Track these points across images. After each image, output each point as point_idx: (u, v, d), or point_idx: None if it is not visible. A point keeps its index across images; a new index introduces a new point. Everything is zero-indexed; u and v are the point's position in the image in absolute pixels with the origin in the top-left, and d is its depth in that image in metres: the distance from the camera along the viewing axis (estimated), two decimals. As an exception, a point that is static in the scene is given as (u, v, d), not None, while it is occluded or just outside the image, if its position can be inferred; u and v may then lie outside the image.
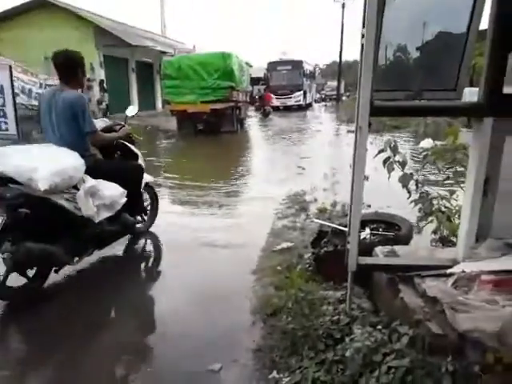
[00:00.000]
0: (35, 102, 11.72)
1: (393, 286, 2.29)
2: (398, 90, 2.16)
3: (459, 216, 2.83)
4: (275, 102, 25.60)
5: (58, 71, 3.35)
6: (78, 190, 3.00)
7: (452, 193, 3.48)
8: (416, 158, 6.66)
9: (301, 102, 27.24)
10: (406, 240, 3.07)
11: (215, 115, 13.51)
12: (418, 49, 2.17)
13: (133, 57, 19.77)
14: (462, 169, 3.20)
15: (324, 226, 3.52)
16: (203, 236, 4.32)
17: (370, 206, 4.86)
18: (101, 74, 17.16)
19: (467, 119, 3.88)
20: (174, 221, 4.87)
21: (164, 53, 18.76)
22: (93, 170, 3.18)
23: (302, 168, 8.19)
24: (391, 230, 3.29)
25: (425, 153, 4.10)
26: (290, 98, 26.71)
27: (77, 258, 3.22)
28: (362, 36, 1.76)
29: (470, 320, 1.81)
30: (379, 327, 2.14)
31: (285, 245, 3.88)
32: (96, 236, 3.29)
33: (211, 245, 4.14)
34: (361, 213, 2.24)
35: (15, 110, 9.78)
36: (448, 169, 3.83)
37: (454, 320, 1.85)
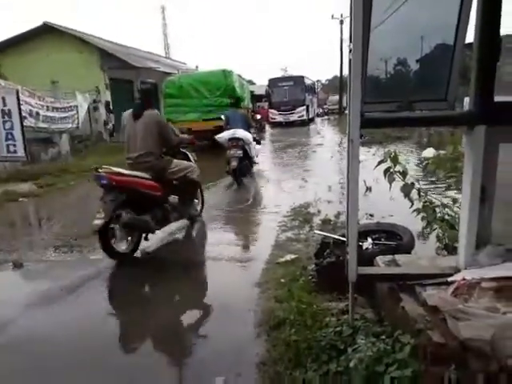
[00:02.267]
0: (43, 125, 11.99)
1: (394, 296, 2.30)
2: (389, 101, 2.20)
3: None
4: (278, 118, 25.99)
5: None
6: None
7: (454, 201, 3.49)
8: (418, 168, 6.67)
9: (304, 117, 27.24)
10: (407, 249, 3.07)
11: (219, 132, 13.59)
12: (406, 62, 2.22)
13: (137, 78, 20.13)
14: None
15: (327, 237, 3.54)
16: (209, 251, 4.36)
17: (372, 215, 4.87)
18: (106, 95, 17.47)
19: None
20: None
21: (168, 73, 19.05)
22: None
23: (305, 180, 8.23)
24: (393, 239, 3.29)
25: (426, 162, 4.14)
26: (293, 113, 26.76)
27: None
28: (350, 50, 1.81)
29: (470, 328, 1.81)
30: (382, 337, 2.14)
31: (288, 257, 3.89)
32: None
33: (215, 258, 4.18)
34: (358, 223, 2.26)
35: (23, 133, 9.98)
36: (449, 177, 3.86)
37: (455, 328, 1.85)
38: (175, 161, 4.69)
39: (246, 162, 7.67)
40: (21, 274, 4.31)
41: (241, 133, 7.50)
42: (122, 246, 4.17)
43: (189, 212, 4.96)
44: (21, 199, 7.60)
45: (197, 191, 5.26)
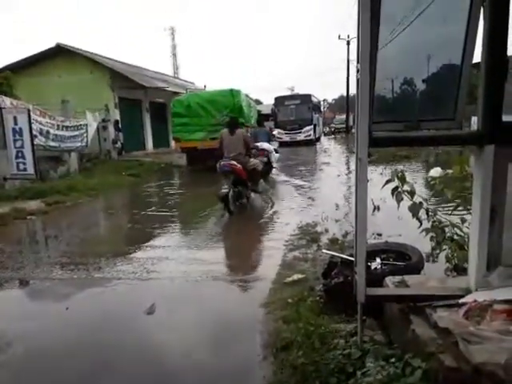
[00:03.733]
0: (53, 143, 12.17)
1: (404, 317, 2.25)
2: (397, 120, 2.20)
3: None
4: (284, 138, 24.96)
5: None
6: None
7: (463, 220, 3.45)
8: (426, 187, 6.63)
9: (311, 137, 26.39)
10: (416, 269, 3.03)
11: None
12: (414, 81, 2.23)
13: (146, 97, 20.46)
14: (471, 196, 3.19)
15: (334, 256, 3.50)
16: (214, 269, 4.33)
17: (380, 234, 4.82)
18: (116, 114, 17.74)
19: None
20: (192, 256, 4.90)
21: (176, 93, 19.36)
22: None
23: (313, 199, 8.21)
24: (402, 259, 3.25)
25: (433, 182, 4.10)
26: (300, 132, 25.99)
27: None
28: (358, 71, 1.83)
29: (483, 352, 1.76)
30: (392, 360, 2.10)
31: (296, 277, 3.85)
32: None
33: (222, 278, 4.15)
34: (366, 243, 2.24)
35: (33, 151, 10.13)
36: (458, 197, 3.81)
37: (467, 352, 1.81)
38: (250, 159, 7.60)
39: (269, 166, 10.36)
40: (26, 291, 4.31)
41: (265, 145, 10.35)
42: (231, 206, 6.87)
43: (255, 188, 8.08)
44: (29, 217, 7.64)
45: (259, 177, 8.47)
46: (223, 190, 6.76)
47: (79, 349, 2.94)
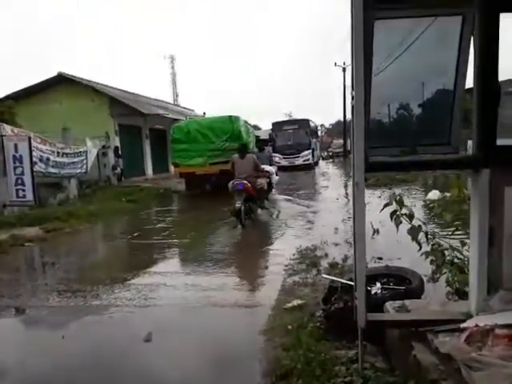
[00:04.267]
0: (52, 170, 12.24)
1: (405, 343, 2.22)
2: (393, 146, 2.24)
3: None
4: (282, 162, 24.62)
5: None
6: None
7: (463, 243, 3.44)
8: (424, 210, 6.65)
9: (310, 161, 26.35)
10: (417, 294, 3.00)
11: (224, 175, 13.70)
12: (409, 106, 2.28)
13: (146, 124, 20.71)
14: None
15: (334, 281, 3.47)
16: (212, 296, 4.29)
17: (381, 258, 4.80)
18: (116, 141, 17.92)
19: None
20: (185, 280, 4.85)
21: (176, 120, 19.61)
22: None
23: (312, 222, 8.21)
24: (402, 283, 3.22)
25: (432, 205, 4.13)
26: (298, 157, 25.89)
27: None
28: (353, 98, 1.87)
29: (486, 378, 1.73)
30: (394, 388, 2.05)
31: (295, 302, 3.80)
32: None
33: (220, 304, 4.09)
34: (366, 267, 2.23)
35: (33, 178, 10.17)
36: (456, 220, 3.82)
37: (469, 379, 1.77)
38: (258, 179, 8.88)
39: (270, 186, 11.20)
40: (22, 320, 4.24)
41: (268, 167, 11.08)
42: (244, 222, 7.85)
43: (262, 205, 9.41)
44: (27, 244, 7.59)
45: (266, 195, 10.00)
46: (237, 205, 7.81)
47: (75, 376, 2.88)
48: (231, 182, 8.17)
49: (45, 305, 4.45)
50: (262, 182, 9.11)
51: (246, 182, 8.05)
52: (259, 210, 9.27)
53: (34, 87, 17.96)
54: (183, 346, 3.35)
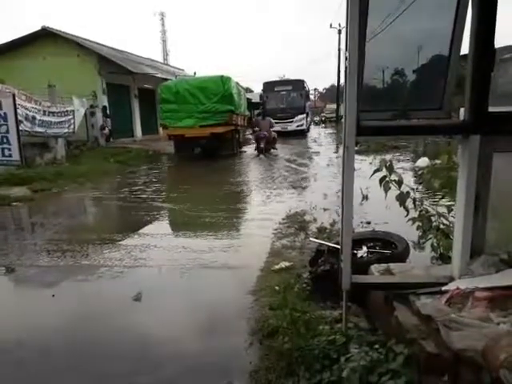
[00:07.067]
0: (39, 129, 11.95)
1: (388, 305, 2.29)
2: (386, 110, 2.21)
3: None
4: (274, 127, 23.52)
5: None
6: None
7: (450, 210, 3.50)
8: (413, 177, 6.70)
9: (303, 127, 24.30)
10: (402, 258, 3.07)
11: (215, 139, 13.50)
12: (403, 71, 2.23)
13: (135, 83, 20.16)
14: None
15: (321, 244, 3.53)
16: (202, 258, 4.34)
17: (369, 223, 4.87)
18: (103, 100, 17.48)
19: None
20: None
21: (165, 79, 19.11)
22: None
23: (302, 187, 8.25)
24: (388, 248, 3.29)
25: (421, 172, 4.16)
26: (291, 122, 23.56)
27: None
28: (346, 58, 1.82)
29: (463, 338, 1.80)
30: (376, 346, 2.12)
31: (283, 264, 3.88)
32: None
33: (210, 266, 4.15)
34: (352, 231, 2.26)
35: (18, 137, 9.94)
36: (444, 187, 3.87)
37: (448, 338, 1.84)
38: (272, 132, 15.40)
39: (275, 139, 15.85)
40: (11, 279, 4.27)
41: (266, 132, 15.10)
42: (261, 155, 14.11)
43: (274, 147, 15.45)
44: (14, 203, 7.54)
45: (276, 142, 15.69)
46: (261, 146, 14.58)
47: (65, 334, 2.94)
48: (255, 133, 15.17)
49: (34, 264, 4.47)
50: (275, 134, 15.74)
51: (266, 133, 14.73)
52: (271, 150, 15.12)
53: (16, 41, 17.24)
54: (172, 305, 3.42)
